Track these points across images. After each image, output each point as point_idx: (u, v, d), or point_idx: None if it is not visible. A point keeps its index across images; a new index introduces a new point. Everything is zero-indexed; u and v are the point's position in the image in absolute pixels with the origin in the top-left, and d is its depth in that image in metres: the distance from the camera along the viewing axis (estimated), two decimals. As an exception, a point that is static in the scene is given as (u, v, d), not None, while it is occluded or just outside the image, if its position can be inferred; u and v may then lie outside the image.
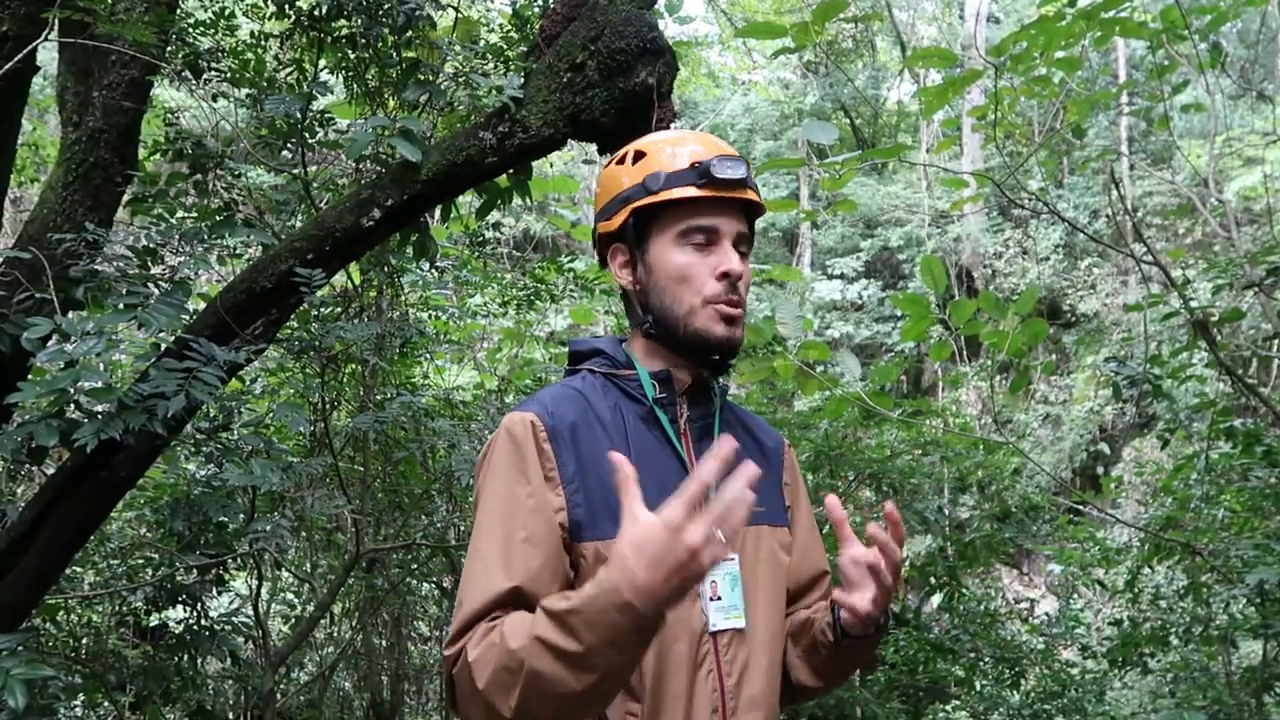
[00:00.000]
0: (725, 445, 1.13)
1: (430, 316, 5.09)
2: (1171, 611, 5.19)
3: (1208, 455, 4.69)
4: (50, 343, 2.55)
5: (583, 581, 1.30)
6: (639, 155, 1.46)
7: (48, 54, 3.26)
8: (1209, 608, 4.77)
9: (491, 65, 3.55)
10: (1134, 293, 13.35)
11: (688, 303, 1.40)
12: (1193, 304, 3.95)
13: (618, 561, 1.12)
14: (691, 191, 1.40)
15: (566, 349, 1.56)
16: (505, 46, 3.56)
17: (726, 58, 19.56)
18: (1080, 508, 7.84)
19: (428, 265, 4.27)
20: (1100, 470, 12.80)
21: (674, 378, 1.46)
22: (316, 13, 3.28)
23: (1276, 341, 4.94)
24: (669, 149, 1.44)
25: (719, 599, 1.38)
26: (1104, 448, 13.21)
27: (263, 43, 3.54)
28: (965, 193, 4.67)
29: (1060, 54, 3.70)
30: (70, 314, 2.77)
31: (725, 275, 1.40)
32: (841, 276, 16.91)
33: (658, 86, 2.96)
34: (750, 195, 1.45)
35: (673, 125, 3.15)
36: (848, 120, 19.38)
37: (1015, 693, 5.52)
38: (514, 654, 1.16)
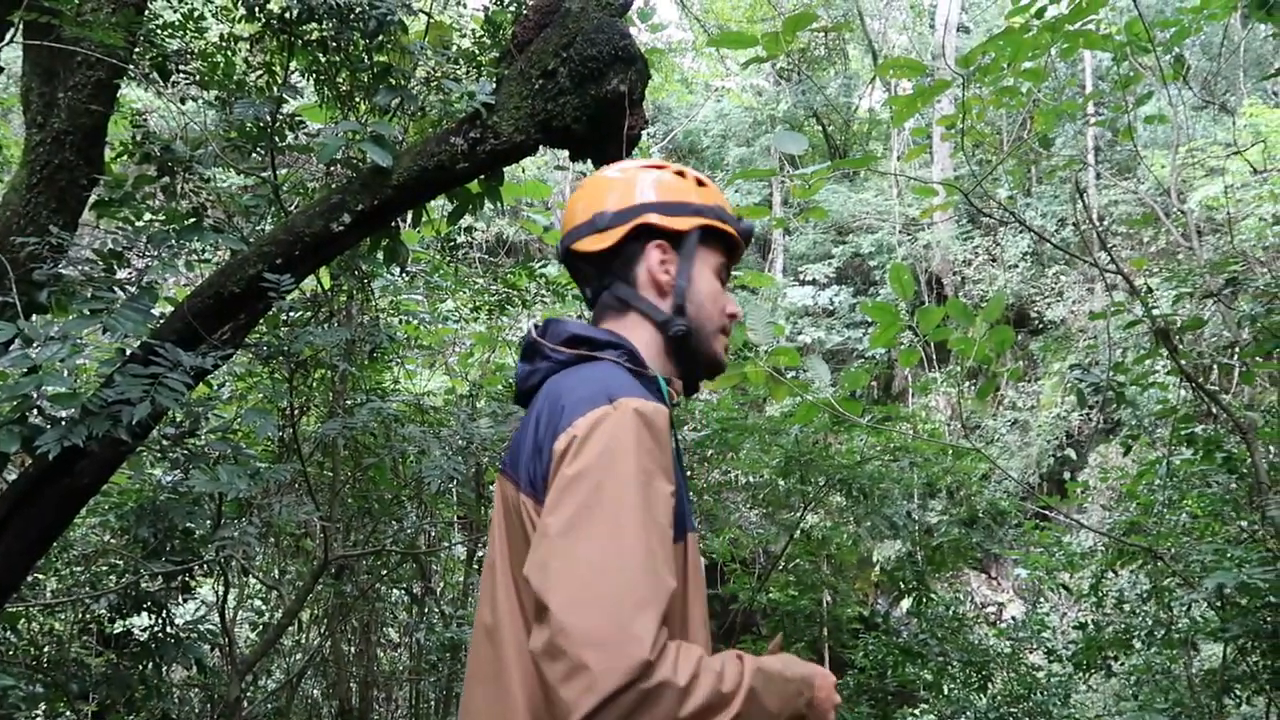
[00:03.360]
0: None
1: (401, 321, 5.07)
2: (1135, 615, 5.27)
3: (1169, 461, 4.77)
4: (13, 347, 2.52)
5: None
6: (700, 182, 1.60)
7: (12, 53, 3.21)
8: (1171, 611, 4.85)
9: (463, 71, 3.55)
10: (1100, 300, 13.53)
11: (715, 324, 1.55)
12: (1155, 312, 4.03)
13: (809, 665, 1.41)
14: (735, 238, 1.60)
15: (547, 326, 1.52)
16: (477, 52, 3.56)
17: (700, 64, 19.64)
18: (1047, 513, 7.93)
19: (399, 270, 4.25)
20: (1067, 475, 12.94)
21: (673, 387, 1.54)
22: (287, 16, 3.26)
23: (1236, 349, 5.03)
24: (720, 191, 1.64)
25: None
26: (1070, 453, 13.38)
27: (232, 45, 3.52)
28: (935, 201, 4.72)
29: (1027, 65, 3.76)
30: (34, 318, 2.73)
31: (733, 316, 1.59)
32: (813, 282, 17.01)
33: (630, 94, 2.98)
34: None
35: (644, 133, 3.16)
36: (820, 128, 19.51)
37: (982, 696, 5.58)
38: (725, 695, 1.22)
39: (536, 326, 1.55)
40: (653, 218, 1.52)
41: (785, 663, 1.37)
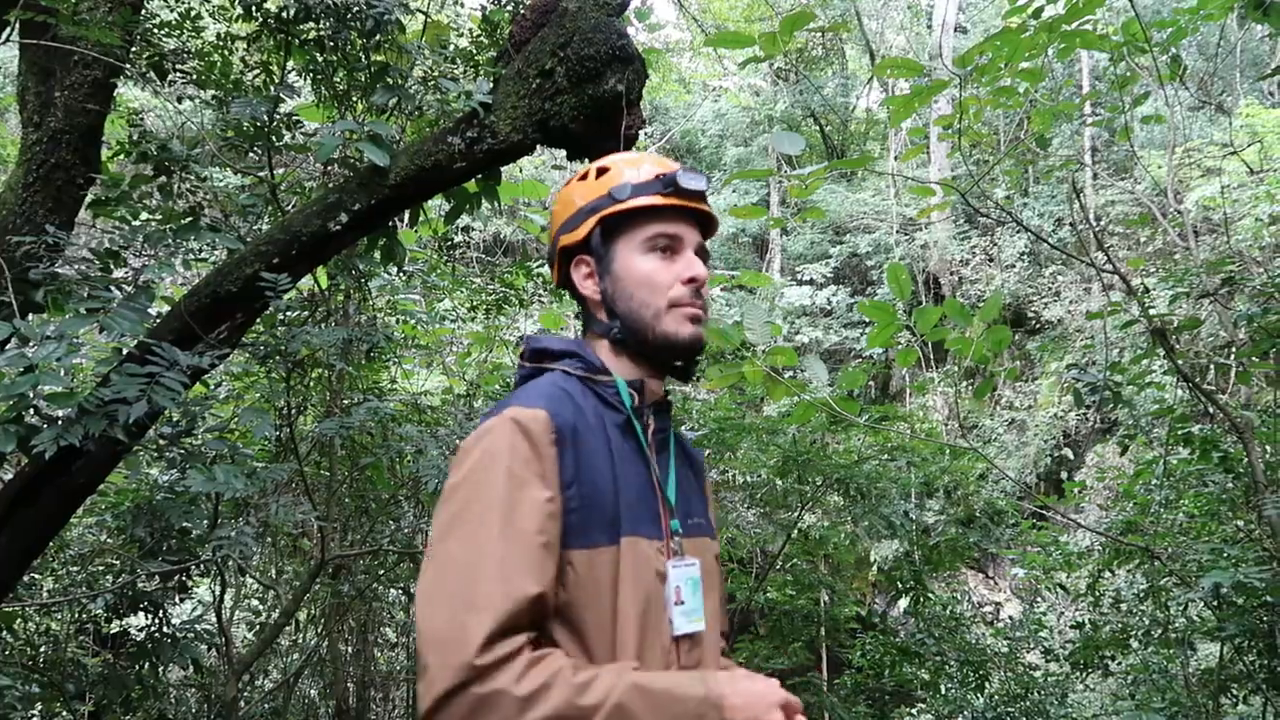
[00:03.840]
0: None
1: (398, 321, 5.07)
2: (1132, 615, 5.28)
3: (1166, 461, 4.77)
4: (9, 346, 2.51)
5: (571, 590, 1.30)
6: (602, 171, 1.52)
7: (8, 52, 3.21)
8: (1167, 611, 4.86)
9: (461, 70, 3.54)
10: (1096, 300, 13.55)
11: (654, 306, 1.44)
12: (1152, 312, 4.03)
13: (730, 683, 1.25)
14: (657, 200, 1.47)
15: (526, 342, 1.54)
16: (475, 52, 3.55)
17: (697, 64, 19.65)
18: (1044, 512, 7.94)
19: (395, 269, 4.25)
20: (1064, 475, 12.96)
21: (647, 388, 1.48)
22: (284, 15, 3.26)
23: (1233, 349, 5.04)
24: (631, 165, 1.52)
25: (683, 603, 1.38)
26: (1067, 453, 13.40)
27: (229, 44, 3.51)
28: (932, 201, 4.72)
29: (1025, 65, 3.76)
30: (30, 317, 2.73)
31: (691, 280, 1.45)
32: (810, 282, 17.02)
33: (627, 93, 2.97)
34: (707, 208, 1.52)
35: (641, 132, 3.16)
36: (817, 127, 19.52)
37: (980, 695, 5.58)
38: (583, 708, 1.16)
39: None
40: (563, 240, 1.52)
41: (678, 681, 1.24)
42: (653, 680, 1.22)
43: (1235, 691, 4.64)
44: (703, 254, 1.53)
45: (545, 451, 1.31)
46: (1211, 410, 4.52)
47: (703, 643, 1.41)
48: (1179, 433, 4.53)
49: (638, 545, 1.35)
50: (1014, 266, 15.34)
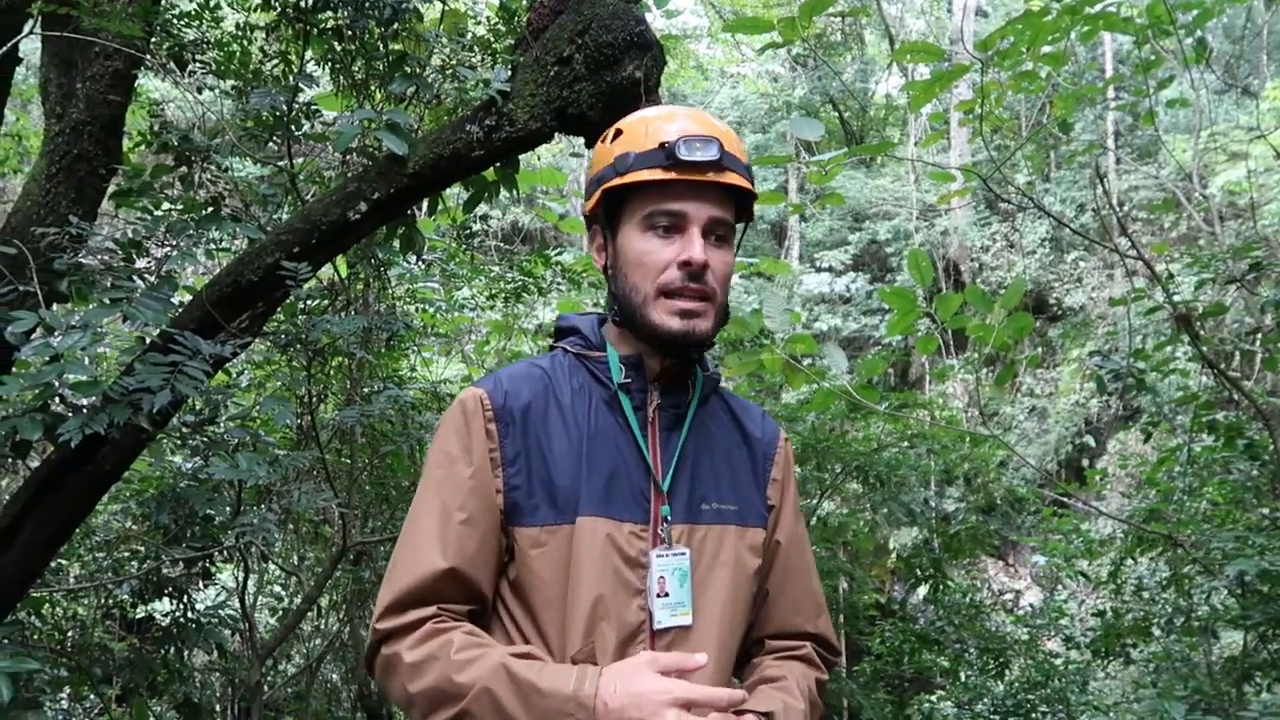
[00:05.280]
0: (695, 661, 1.26)
1: (417, 309, 5.08)
2: (1154, 603, 5.24)
3: (1190, 448, 4.73)
4: (34, 336, 2.54)
5: (519, 567, 1.31)
6: (618, 133, 1.40)
7: (30, 43, 3.23)
8: (1190, 599, 4.82)
9: (478, 58, 3.54)
10: (1119, 287, 13.41)
11: (643, 291, 1.34)
12: (1176, 298, 3.99)
13: (610, 679, 1.18)
14: (656, 174, 1.32)
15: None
16: (492, 39, 3.55)
17: (715, 50, 19.53)
18: (1065, 500, 7.90)
19: (414, 258, 4.26)
20: (1085, 463, 12.88)
21: (645, 364, 1.40)
22: (302, 4, 3.27)
23: (1259, 336, 4.98)
24: (645, 127, 1.37)
25: (666, 595, 1.31)
26: (1089, 440, 13.30)
27: (248, 34, 3.52)
28: (953, 186, 4.69)
29: (1047, 49, 3.71)
30: (54, 307, 2.75)
31: (685, 264, 1.32)
32: (829, 269, 16.94)
33: (645, 80, 2.96)
34: (729, 179, 1.34)
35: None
36: (836, 114, 19.39)
37: (999, 683, 5.57)
38: (458, 685, 1.20)
39: None
40: (584, 207, 1.45)
41: (550, 674, 1.19)
42: (525, 669, 1.19)
43: (1259, 680, 4.60)
44: (725, 228, 1.37)
45: (477, 431, 1.34)
46: (1236, 397, 4.47)
47: (694, 637, 1.32)
48: (1203, 420, 4.49)
49: (600, 526, 1.30)
50: (1035, 253, 15.21)
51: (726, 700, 1.21)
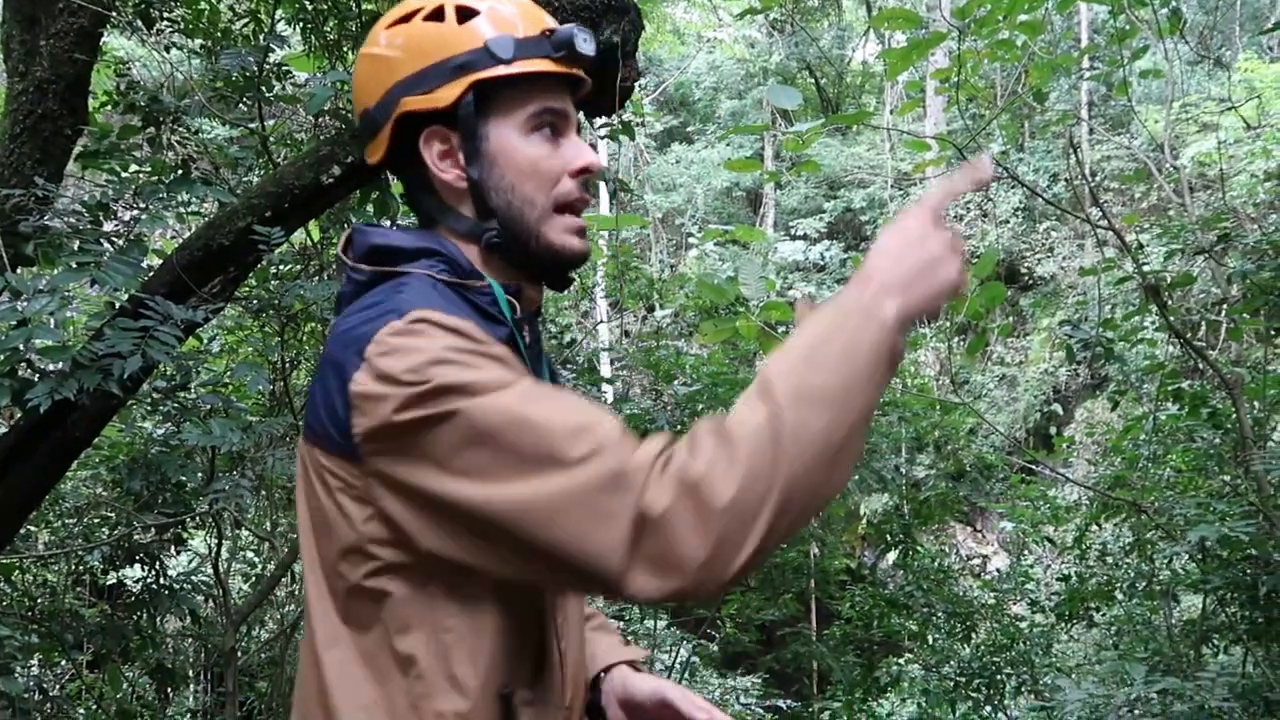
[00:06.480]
0: (983, 170, 1.04)
1: (391, 275, 5.03)
2: (1117, 567, 5.35)
3: (1155, 416, 4.81)
4: (1, 300, 2.50)
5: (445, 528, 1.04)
6: (467, 12, 1.12)
7: (-9, -1, 3.15)
8: (1153, 564, 4.93)
9: (453, 20, 3.48)
10: (1090, 256, 13.55)
11: (540, 205, 1.14)
12: (1145, 269, 4.04)
13: (879, 262, 1.01)
14: (548, 65, 1.12)
15: (351, 237, 1.16)
16: None
17: (692, 15, 19.37)
18: (1033, 467, 8.02)
19: (389, 222, 4.22)
20: (1053, 430, 13.06)
21: (525, 295, 1.18)
22: (272, -38, 3.20)
23: (1225, 306, 5.06)
24: (503, 7, 1.14)
25: None
26: (1057, 408, 13.48)
27: (217, -8, 3.46)
28: (928, 155, 4.70)
29: (1024, 18, 3.72)
30: (20, 270, 2.71)
31: (584, 170, 1.15)
32: (804, 237, 16.96)
33: (623, 44, 2.93)
34: (584, 76, 1.18)
35: (637, 84, 3.13)
36: (813, 80, 19.32)
37: (966, 646, 5.68)
38: (760, 429, 0.93)
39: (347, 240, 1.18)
40: (409, 102, 1.12)
41: (819, 315, 1.03)
42: (791, 340, 1.02)
43: (1216, 642, 4.73)
44: (578, 132, 1.20)
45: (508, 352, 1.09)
46: (1202, 366, 4.55)
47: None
48: (1169, 388, 4.56)
49: None
50: (1008, 222, 15.31)
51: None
